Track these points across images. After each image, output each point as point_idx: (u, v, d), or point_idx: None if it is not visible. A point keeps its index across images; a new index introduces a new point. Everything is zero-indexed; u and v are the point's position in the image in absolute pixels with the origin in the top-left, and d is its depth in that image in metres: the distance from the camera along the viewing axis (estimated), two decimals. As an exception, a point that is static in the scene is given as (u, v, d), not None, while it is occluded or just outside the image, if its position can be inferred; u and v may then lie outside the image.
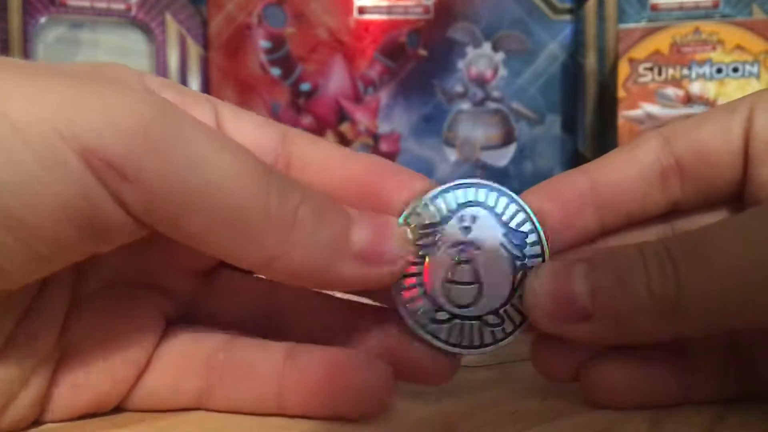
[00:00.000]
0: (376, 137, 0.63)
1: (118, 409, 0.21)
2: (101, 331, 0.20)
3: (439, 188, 0.21)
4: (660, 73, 0.57)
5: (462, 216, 0.21)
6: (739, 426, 0.20)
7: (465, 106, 0.63)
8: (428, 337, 0.21)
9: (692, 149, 0.22)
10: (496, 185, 0.22)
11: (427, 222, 0.21)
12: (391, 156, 0.64)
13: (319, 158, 0.21)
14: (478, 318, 0.21)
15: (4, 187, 0.15)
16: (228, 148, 0.17)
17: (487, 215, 0.22)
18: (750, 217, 0.19)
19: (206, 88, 0.59)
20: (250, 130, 0.21)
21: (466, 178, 0.22)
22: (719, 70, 0.57)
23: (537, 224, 0.22)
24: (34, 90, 0.16)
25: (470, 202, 0.22)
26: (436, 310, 0.21)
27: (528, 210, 0.22)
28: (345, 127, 0.62)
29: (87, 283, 0.20)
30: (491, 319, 0.21)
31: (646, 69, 0.58)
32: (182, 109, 0.17)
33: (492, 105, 0.63)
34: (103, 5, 0.57)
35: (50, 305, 0.19)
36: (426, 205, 0.21)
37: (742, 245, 0.18)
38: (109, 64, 0.20)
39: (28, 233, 0.16)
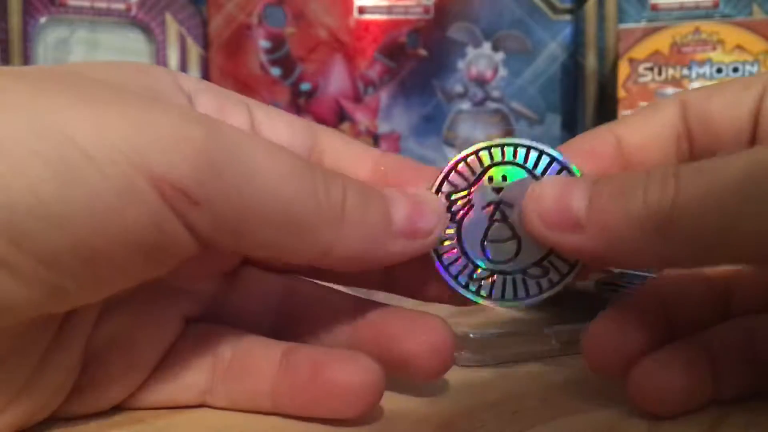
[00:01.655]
0: (376, 137, 0.63)
1: (118, 408, 0.21)
2: (123, 337, 0.20)
3: (465, 152, 0.22)
4: (660, 73, 0.57)
5: (491, 177, 0.22)
6: (740, 427, 0.20)
7: (465, 106, 0.63)
8: (470, 296, 0.22)
9: (701, 119, 0.22)
10: (524, 140, 0.22)
11: (458, 186, 0.22)
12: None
13: (350, 156, 0.22)
14: (520, 271, 0.22)
15: (76, 214, 0.15)
16: (275, 153, 0.18)
17: (518, 171, 0.22)
18: (760, 146, 0.19)
19: (206, 88, 0.59)
20: (283, 129, 0.21)
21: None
22: (719, 70, 0.57)
23: (573, 171, 0.22)
24: (98, 116, 0.15)
25: (499, 161, 0.22)
26: (476, 269, 0.22)
27: (560, 159, 0.22)
28: (345, 127, 0.62)
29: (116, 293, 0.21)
30: (534, 270, 0.22)
31: (646, 69, 0.58)
32: (222, 120, 0.18)
33: (492, 105, 0.63)
34: (103, 5, 0.57)
35: (80, 319, 0.19)
36: (456, 169, 0.22)
37: (746, 160, 0.18)
38: (143, 66, 0.20)
39: (96, 259, 0.16)
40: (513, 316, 0.31)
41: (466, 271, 0.22)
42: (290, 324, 0.23)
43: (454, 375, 0.24)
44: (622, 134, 0.23)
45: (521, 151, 0.22)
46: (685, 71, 0.57)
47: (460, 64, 0.63)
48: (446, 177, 0.22)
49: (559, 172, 0.22)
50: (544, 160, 0.22)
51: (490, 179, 0.22)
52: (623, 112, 0.57)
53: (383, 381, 0.20)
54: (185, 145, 0.16)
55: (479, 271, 0.22)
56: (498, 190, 0.22)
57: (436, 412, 0.21)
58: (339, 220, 0.18)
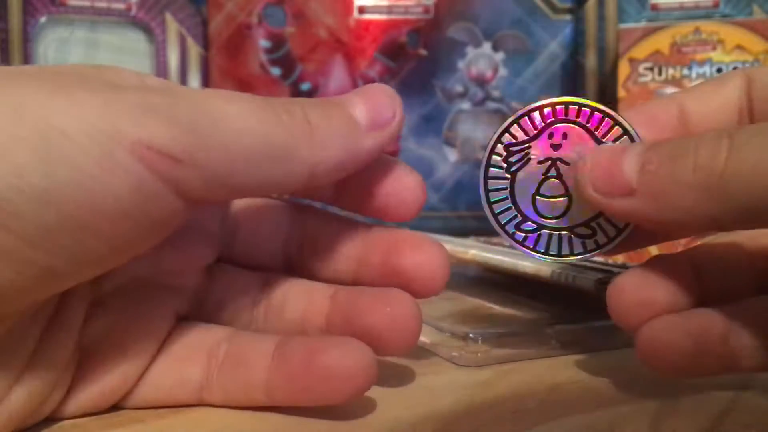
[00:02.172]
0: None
1: (118, 408, 0.21)
2: (115, 332, 0.21)
3: (530, 106, 0.22)
4: (660, 73, 0.57)
5: (552, 133, 0.22)
6: (740, 426, 0.20)
7: (465, 105, 0.63)
8: (516, 245, 0.23)
9: (762, 97, 0.22)
10: (590, 101, 0.22)
11: (518, 138, 0.22)
12: (391, 156, 0.63)
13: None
14: (568, 229, 0.22)
15: (62, 190, 0.15)
16: (231, 96, 0.18)
17: (579, 132, 0.22)
18: None
19: (206, 87, 0.59)
20: None
21: (563, 95, 0.23)
22: (719, 70, 0.57)
23: (635, 137, 0.22)
24: (70, 96, 0.16)
25: (561, 119, 0.22)
26: (524, 220, 0.23)
27: (625, 124, 0.22)
28: (345, 127, 0.62)
29: (102, 287, 0.21)
30: (581, 230, 0.22)
31: (646, 69, 0.58)
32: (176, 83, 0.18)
33: (492, 105, 0.63)
34: (103, 5, 0.57)
35: (71, 312, 0.20)
36: (516, 123, 0.22)
37: None
38: (108, 67, 0.20)
39: (85, 234, 0.16)
40: (513, 316, 0.31)
41: (514, 221, 0.23)
42: (268, 314, 0.23)
43: (454, 375, 0.24)
44: (685, 104, 0.23)
45: (585, 112, 0.22)
46: (686, 71, 0.57)
47: (460, 64, 0.63)
48: (507, 129, 0.22)
49: (620, 137, 0.22)
50: (607, 122, 0.22)
51: (551, 135, 0.22)
52: (623, 112, 0.57)
53: (376, 364, 0.20)
54: (153, 109, 0.16)
55: (527, 223, 0.23)
56: (556, 147, 0.22)
57: (436, 412, 0.21)
58: (310, 134, 0.19)
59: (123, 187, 0.16)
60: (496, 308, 0.33)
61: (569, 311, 0.30)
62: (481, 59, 0.63)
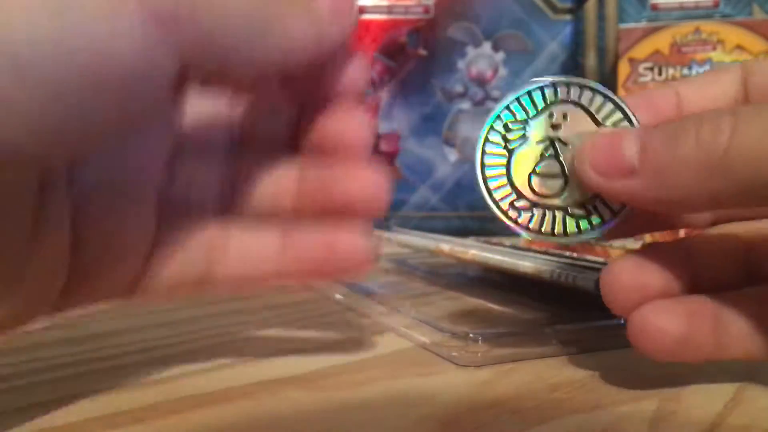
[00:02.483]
0: (376, 137, 0.63)
1: (117, 408, 0.21)
2: (103, 226, 0.21)
3: (532, 85, 0.23)
4: (660, 73, 0.57)
5: (552, 113, 0.23)
6: (741, 427, 0.20)
7: (465, 105, 0.63)
8: (509, 222, 0.23)
9: (762, 89, 0.22)
10: (592, 83, 0.22)
11: (517, 117, 0.23)
12: (391, 156, 0.64)
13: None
14: (563, 209, 0.23)
15: (73, 43, 0.16)
16: None
17: (580, 113, 0.22)
18: None
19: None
20: None
21: (563, 75, 0.23)
22: (719, 70, 0.57)
23: (635, 123, 0.22)
24: None
25: (562, 100, 0.22)
26: (519, 198, 0.23)
27: (626, 109, 0.22)
28: (345, 127, 0.62)
29: (76, 186, 0.21)
30: (577, 211, 0.22)
31: (646, 69, 0.58)
32: None
33: (492, 105, 0.63)
34: (103, 5, 0.57)
35: (54, 207, 0.20)
36: (517, 101, 0.23)
37: None
38: None
39: (94, 94, 0.16)
40: (513, 316, 0.31)
41: (509, 198, 0.23)
42: (238, 200, 0.24)
43: (454, 375, 0.24)
44: (683, 93, 0.23)
45: (586, 94, 0.22)
46: (686, 71, 0.57)
47: (460, 64, 0.63)
48: (507, 106, 0.23)
49: (619, 121, 0.22)
50: (608, 106, 0.22)
51: (551, 115, 0.22)
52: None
53: (377, 245, 0.23)
54: None
55: (522, 201, 0.23)
56: (556, 127, 0.22)
57: (436, 412, 0.21)
58: (282, 16, 0.20)
59: (130, 46, 0.16)
60: (496, 308, 0.33)
61: (569, 311, 0.30)
62: (481, 59, 0.63)
